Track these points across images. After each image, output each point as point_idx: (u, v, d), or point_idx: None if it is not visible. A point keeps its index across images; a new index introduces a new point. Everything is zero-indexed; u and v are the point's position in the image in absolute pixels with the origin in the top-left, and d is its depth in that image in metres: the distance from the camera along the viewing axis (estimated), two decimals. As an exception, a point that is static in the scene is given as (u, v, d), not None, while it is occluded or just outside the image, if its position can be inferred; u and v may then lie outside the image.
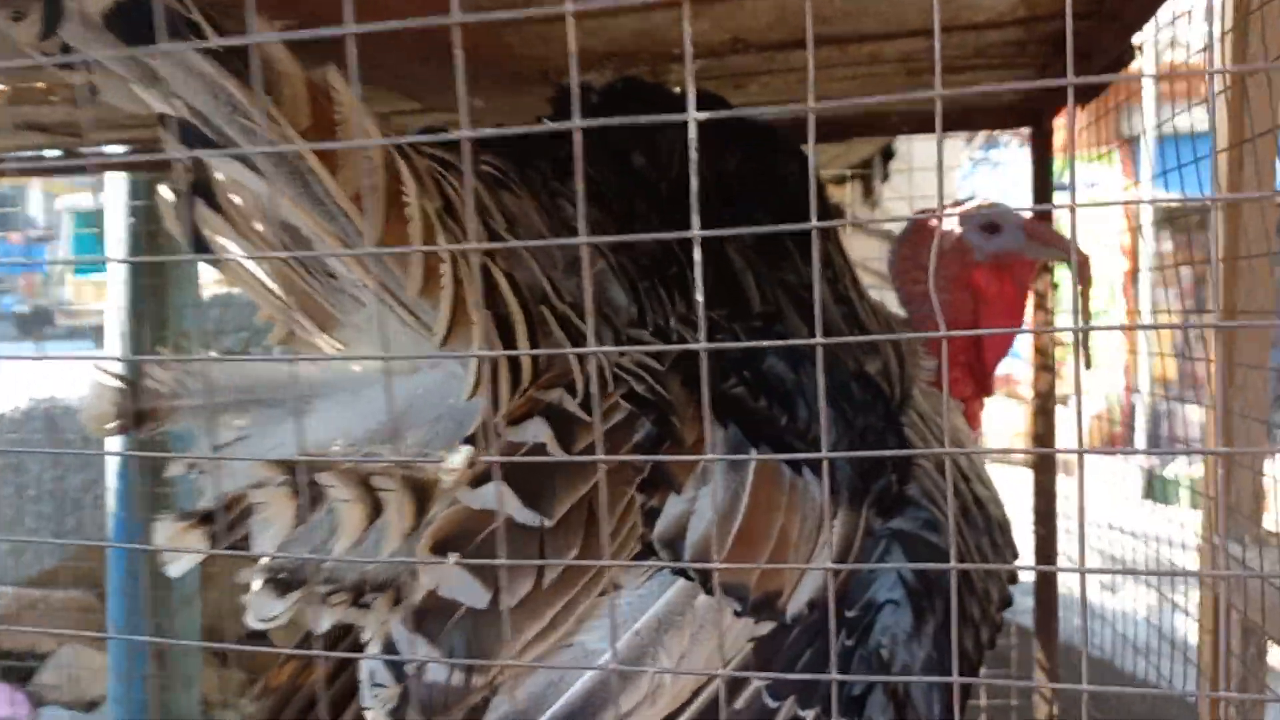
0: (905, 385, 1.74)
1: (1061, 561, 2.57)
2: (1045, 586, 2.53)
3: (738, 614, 1.35)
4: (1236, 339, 2.12)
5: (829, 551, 1.40)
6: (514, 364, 1.35)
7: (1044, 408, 2.50)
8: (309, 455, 1.28)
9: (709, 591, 1.33)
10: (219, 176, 1.24)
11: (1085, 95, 2.37)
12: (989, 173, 8.06)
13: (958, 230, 1.92)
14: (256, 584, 1.30)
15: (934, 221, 1.93)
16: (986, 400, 2.02)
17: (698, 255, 0.80)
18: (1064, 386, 2.79)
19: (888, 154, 4.78)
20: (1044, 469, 2.51)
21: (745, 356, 1.46)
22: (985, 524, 1.66)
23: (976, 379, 1.96)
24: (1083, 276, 1.90)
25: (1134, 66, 2.90)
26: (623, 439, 1.36)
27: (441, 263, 1.26)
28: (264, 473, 1.25)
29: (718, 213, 1.61)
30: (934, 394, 1.86)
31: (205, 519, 1.26)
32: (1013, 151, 8.73)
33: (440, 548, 1.25)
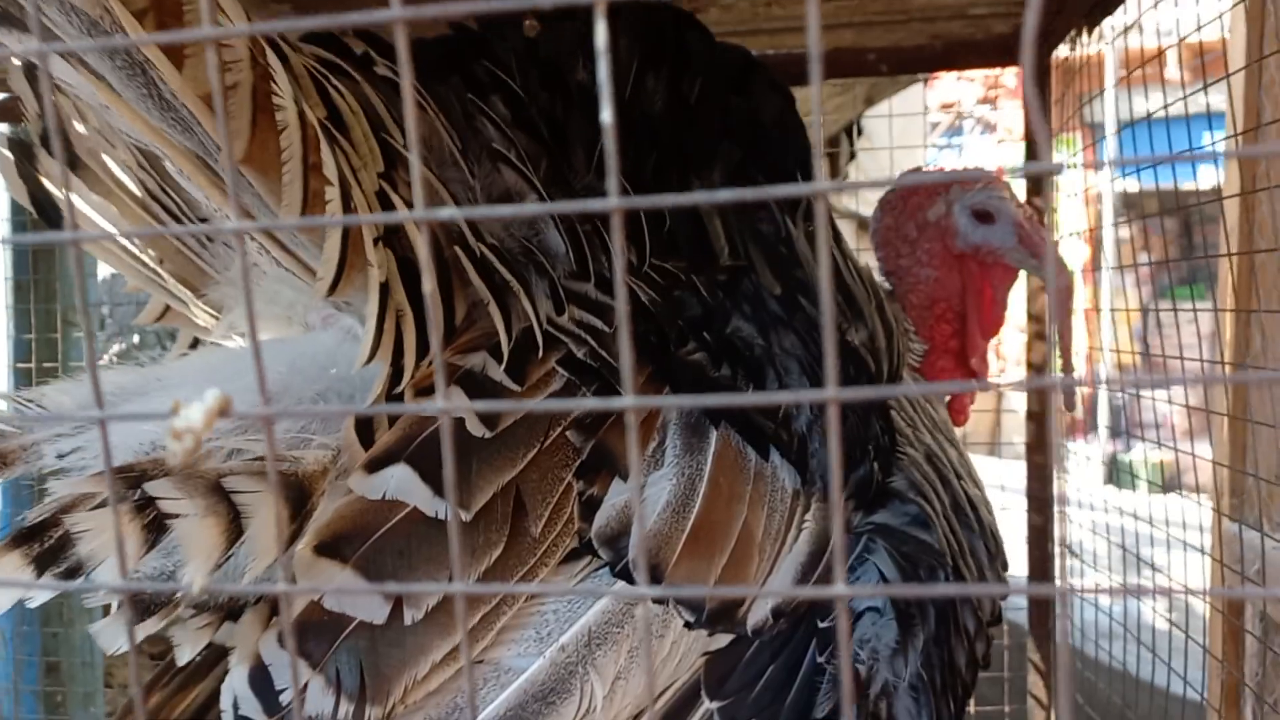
0: (894, 363, 1.52)
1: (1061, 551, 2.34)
2: (1041, 580, 2.30)
3: (689, 625, 1.13)
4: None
5: (805, 546, 1.20)
6: (422, 321, 1.07)
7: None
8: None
9: (656, 598, 1.10)
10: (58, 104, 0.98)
11: (1092, 17, 2.11)
12: (954, 159, 7.91)
13: (946, 207, 1.68)
14: (114, 607, 1.08)
15: (920, 190, 1.69)
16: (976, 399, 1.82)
17: (617, 223, 0.51)
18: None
19: (854, 131, 4.57)
20: (1038, 450, 2.27)
21: (706, 317, 1.22)
22: (979, 526, 1.45)
23: (964, 370, 1.73)
24: (1063, 307, 1.68)
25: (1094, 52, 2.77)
26: (560, 415, 1.11)
27: (328, 185, 0.98)
28: (86, 488, 0.97)
29: (676, 144, 1.35)
30: (921, 380, 1.66)
31: (25, 538, 0.95)
32: (975, 138, 8.65)
33: (327, 549, 1.00)
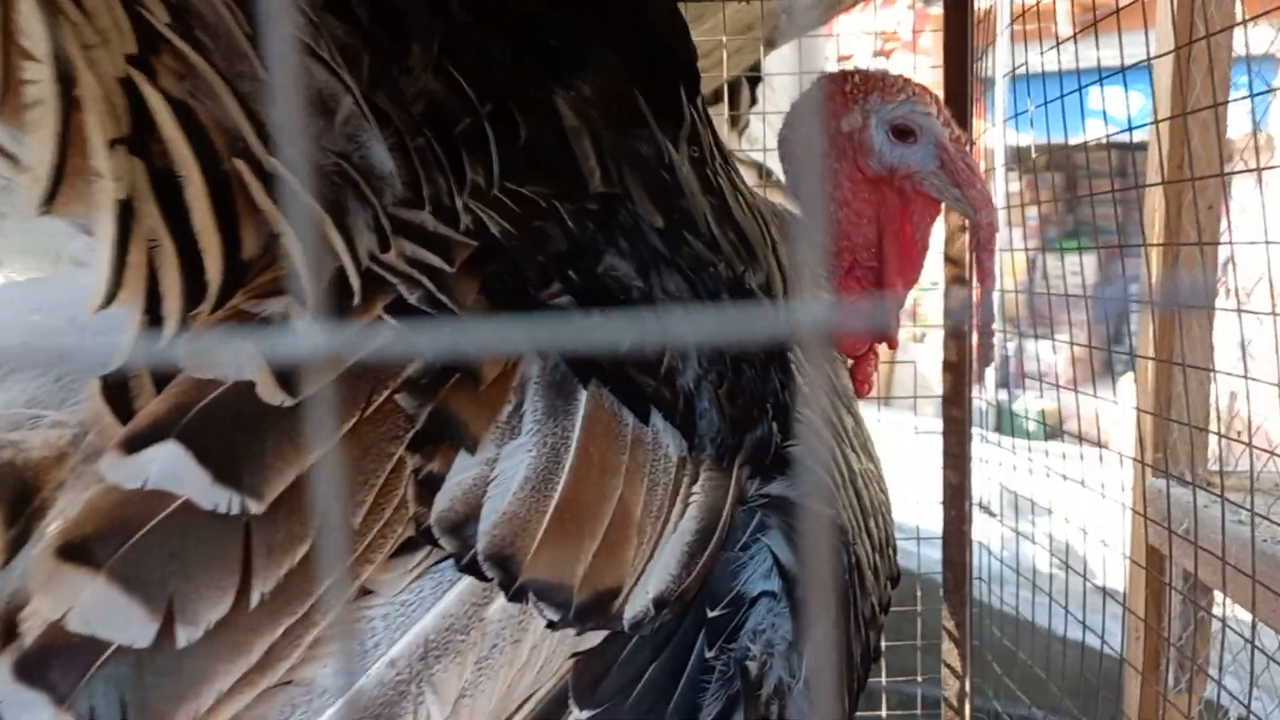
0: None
1: (977, 515, 2.20)
2: (954, 545, 2.14)
3: (553, 625, 0.91)
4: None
5: (692, 523, 1.00)
6: (192, 255, 0.80)
7: (956, 329, 2.08)
8: None
9: (514, 596, 0.88)
10: None
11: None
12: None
13: (862, 118, 1.41)
14: None
15: (836, 95, 1.42)
16: (880, 356, 1.53)
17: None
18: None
19: (754, 79, 4.36)
20: (955, 404, 2.10)
21: (573, 252, 0.99)
22: (872, 505, 1.26)
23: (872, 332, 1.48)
24: (985, 247, 1.42)
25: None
26: (387, 374, 0.85)
27: (31, 61, 0.69)
28: None
29: (541, 40, 1.08)
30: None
31: None
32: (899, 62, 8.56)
33: (74, 552, 0.75)
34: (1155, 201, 1.84)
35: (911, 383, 2.81)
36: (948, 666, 2.17)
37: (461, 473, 0.87)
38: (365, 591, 0.84)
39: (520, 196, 0.99)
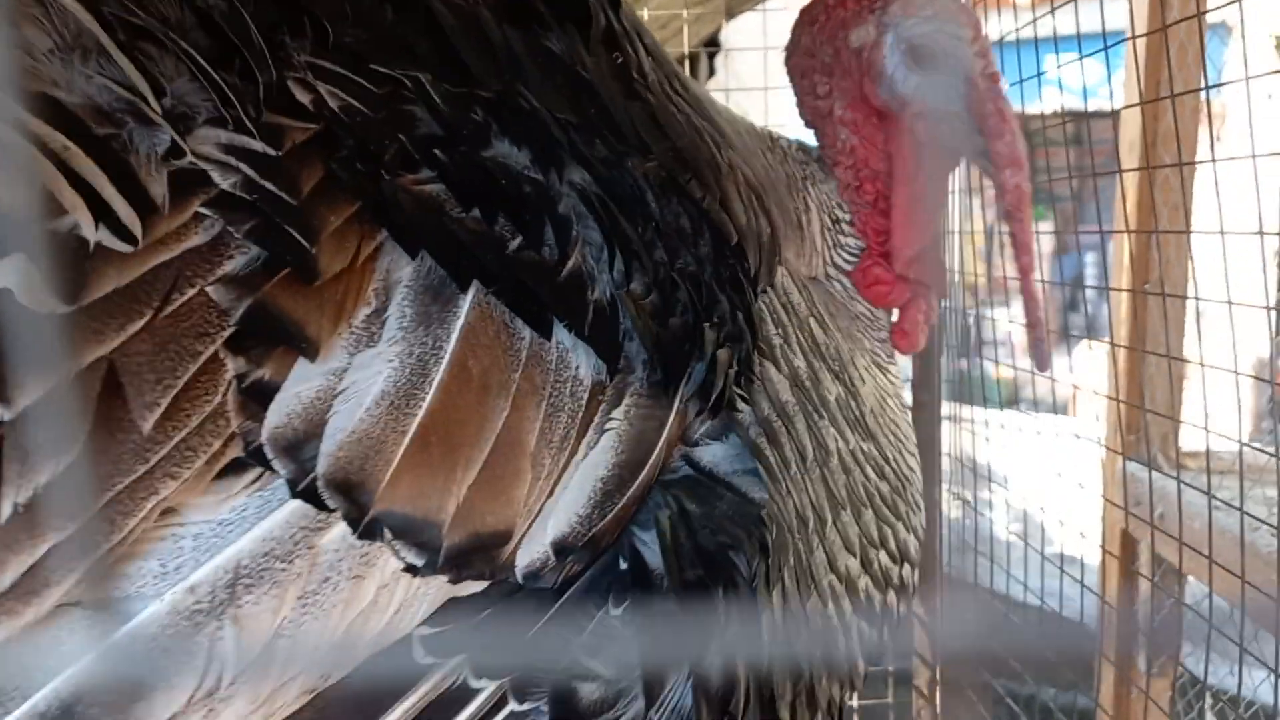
0: (768, 255, 1.07)
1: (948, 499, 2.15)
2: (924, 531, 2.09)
3: (414, 569, 0.76)
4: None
5: (608, 455, 0.83)
6: None
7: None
8: None
9: (364, 533, 0.74)
10: None
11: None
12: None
13: (877, 31, 1.18)
14: None
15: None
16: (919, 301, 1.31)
17: None
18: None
19: (712, 45, 4.25)
20: (924, 387, 2.03)
21: (451, 134, 0.81)
22: (862, 495, 1.08)
23: (904, 281, 1.28)
24: (1013, 215, 1.19)
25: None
26: (200, 272, 0.72)
27: None
28: None
29: None
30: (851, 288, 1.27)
31: None
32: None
33: None
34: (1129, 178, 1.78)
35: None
36: (918, 656, 2.13)
37: (301, 383, 0.73)
38: (171, 509, 0.70)
39: (381, 76, 0.81)
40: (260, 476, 0.72)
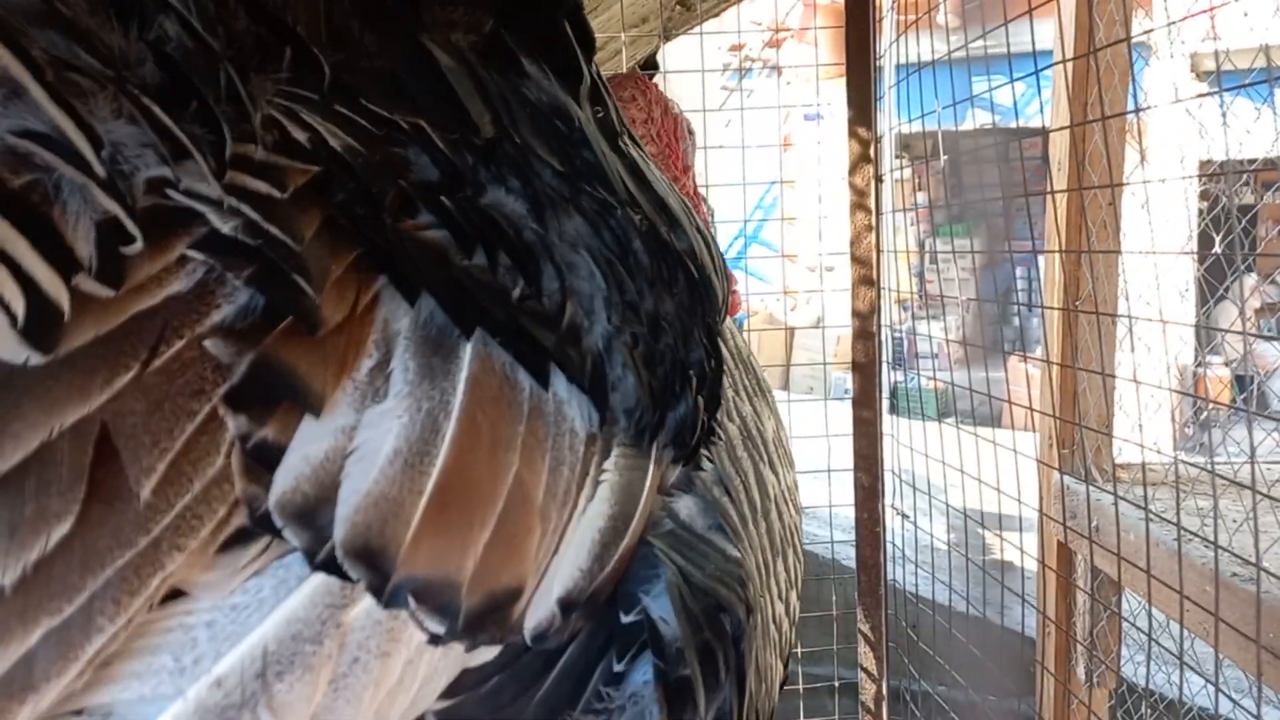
0: (723, 294, 1.09)
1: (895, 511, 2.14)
2: (868, 547, 2.08)
3: (436, 639, 0.71)
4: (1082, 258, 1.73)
5: (604, 507, 0.81)
6: None
7: (865, 329, 2.02)
8: None
9: (388, 601, 0.68)
10: None
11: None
12: (743, 99, 7.78)
13: (679, 111, 1.67)
14: None
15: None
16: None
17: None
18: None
19: (649, 65, 4.25)
20: (865, 404, 2.03)
21: (448, 182, 0.79)
22: (786, 536, 1.09)
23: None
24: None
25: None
26: (190, 319, 0.66)
27: None
28: None
29: None
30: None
31: None
32: (761, 81, 8.57)
33: None
34: (1058, 200, 1.80)
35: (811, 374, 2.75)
36: (864, 670, 2.12)
37: (309, 444, 0.68)
38: (180, 593, 0.65)
39: (379, 118, 0.78)
40: (268, 547, 0.66)
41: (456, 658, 0.73)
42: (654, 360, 0.85)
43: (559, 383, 0.78)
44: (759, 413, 1.09)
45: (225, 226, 0.66)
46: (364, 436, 0.69)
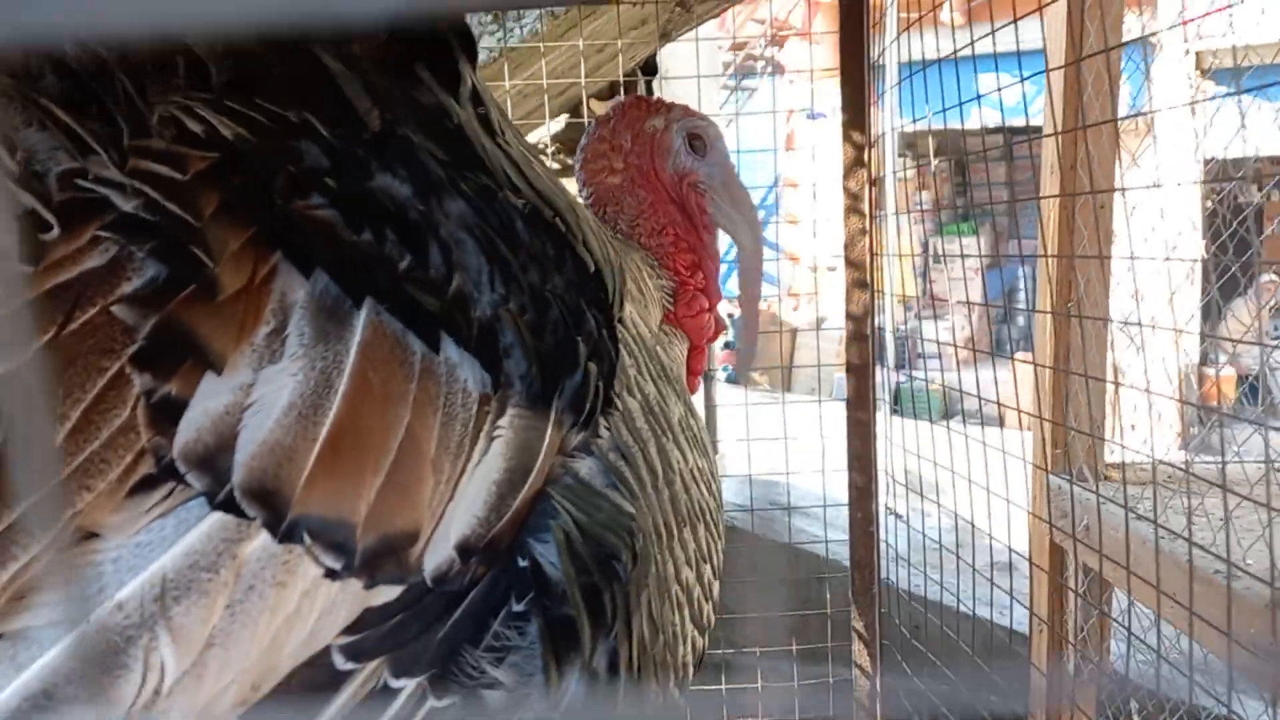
0: (618, 285, 1.17)
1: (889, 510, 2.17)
2: (862, 547, 2.12)
3: (333, 574, 0.79)
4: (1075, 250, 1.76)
5: (499, 461, 0.87)
6: None
7: (859, 332, 2.05)
8: None
9: (284, 537, 0.77)
10: None
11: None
12: (744, 100, 7.80)
13: (665, 123, 1.57)
14: None
15: (643, 104, 1.59)
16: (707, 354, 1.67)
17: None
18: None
19: (649, 69, 4.30)
20: (859, 406, 2.06)
21: (337, 166, 0.86)
22: (695, 510, 1.15)
23: (710, 317, 1.56)
24: (747, 274, 1.59)
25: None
26: (104, 289, 0.75)
27: None
28: None
29: None
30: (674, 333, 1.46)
31: None
32: (765, 80, 8.60)
33: None
34: (1049, 204, 1.83)
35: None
36: (858, 667, 2.15)
37: (210, 399, 0.76)
38: (92, 534, 0.73)
39: (271, 114, 0.86)
40: (172, 492, 0.74)
41: (356, 594, 0.80)
42: (542, 329, 0.92)
43: (450, 347, 0.85)
44: (663, 394, 1.17)
45: (128, 206, 0.75)
46: (260, 392, 0.76)
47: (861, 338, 2.05)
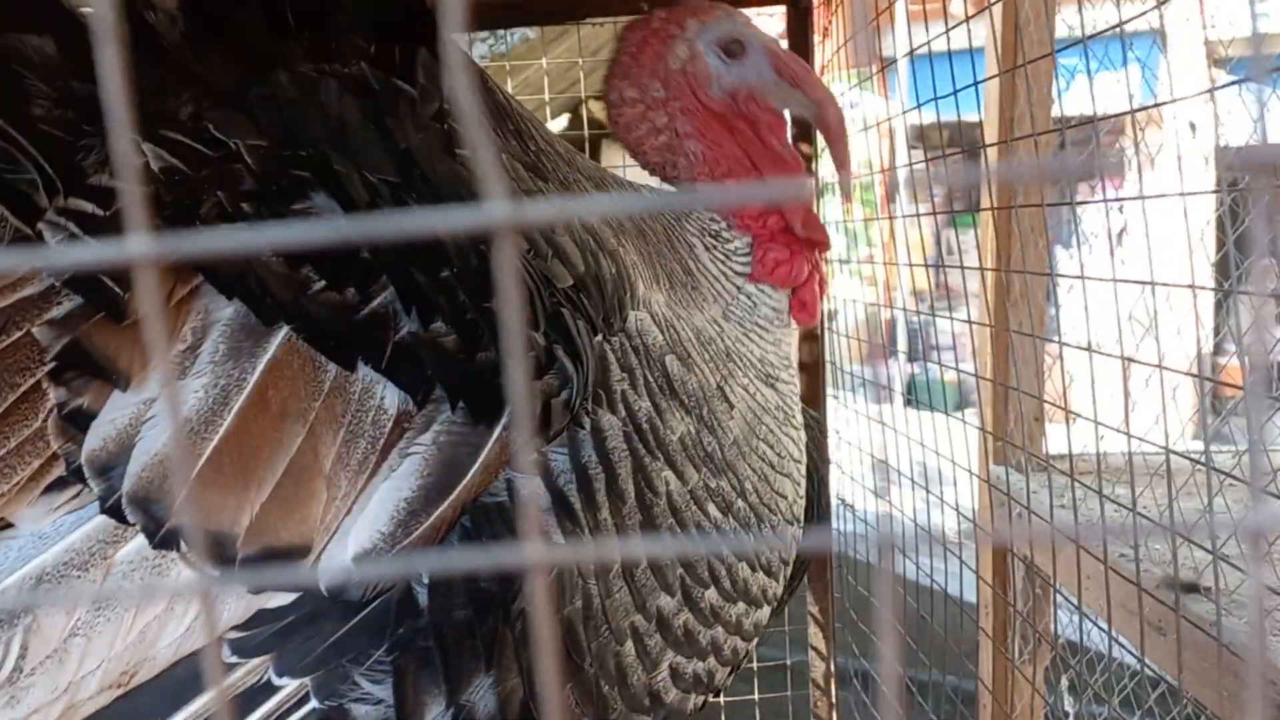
0: (614, 300, 1.11)
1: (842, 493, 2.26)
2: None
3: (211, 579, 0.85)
4: (1014, 246, 1.84)
5: (413, 479, 0.90)
6: None
7: (809, 332, 2.15)
8: None
9: (160, 543, 0.85)
10: None
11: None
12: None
13: (690, 49, 1.35)
14: None
15: (651, 38, 1.35)
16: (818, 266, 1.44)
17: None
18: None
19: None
20: (812, 402, 2.16)
21: (264, 189, 0.91)
22: (676, 531, 1.10)
23: (800, 245, 1.38)
24: (838, 139, 1.38)
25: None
26: (31, 315, 0.87)
27: None
28: None
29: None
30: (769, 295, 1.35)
31: None
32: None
33: None
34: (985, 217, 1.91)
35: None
36: (814, 649, 2.26)
37: (115, 411, 0.85)
38: (8, 524, 0.84)
39: (217, 141, 0.92)
40: (80, 493, 0.85)
41: (242, 598, 0.87)
42: (471, 346, 0.92)
43: (365, 368, 0.89)
44: (662, 412, 1.10)
45: (53, 240, 0.86)
46: (161, 406, 0.85)
47: (812, 337, 2.15)
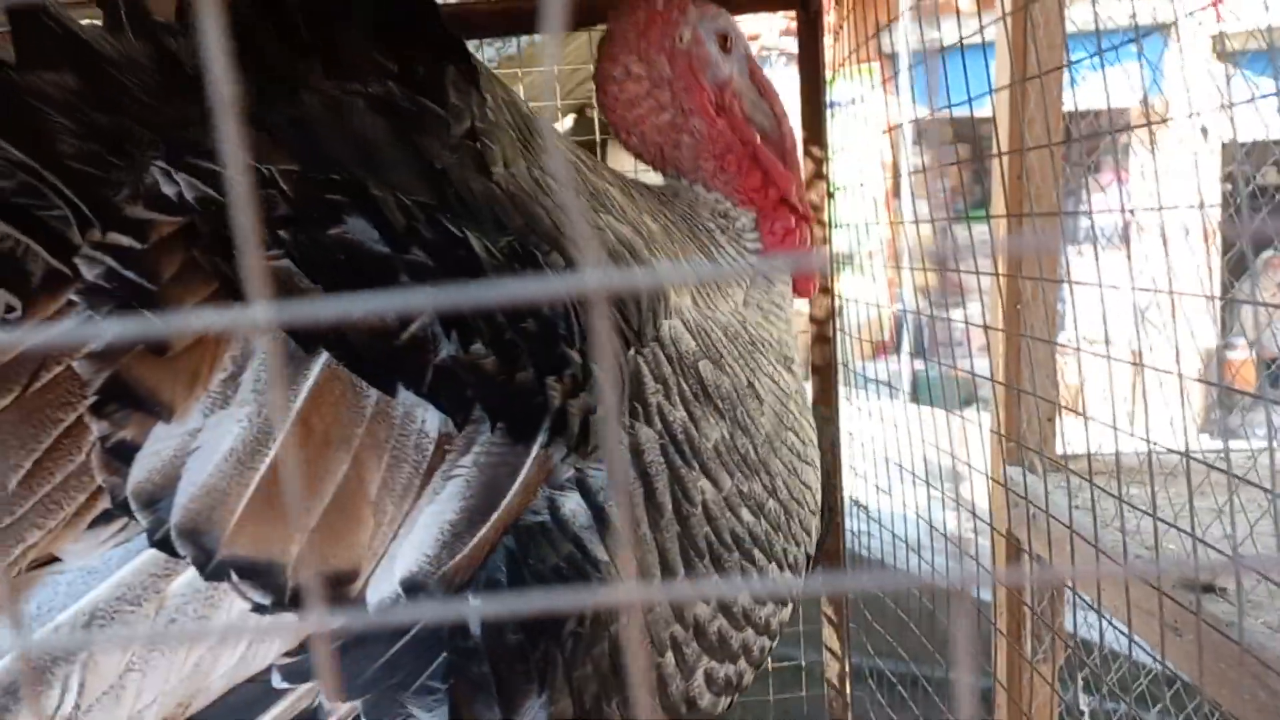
0: (646, 313, 1.11)
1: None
2: (830, 536, 2.22)
3: (262, 609, 0.86)
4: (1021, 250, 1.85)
5: (455, 501, 0.91)
6: None
7: (821, 334, 2.16)
8: None
9: (211, 575, 0.85)
10: None
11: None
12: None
13: (692, 30, 1.38)
14: None
15: (654, 19, 1.37)
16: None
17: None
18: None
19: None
20: (824, 402, 2.17)
21: (300, 215, 0.91)
22: (712, 543, 1.09)
23: (799, 214, 1.45)
24: (787, 158, 1.46)
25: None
26: (71, 348, 0.87)
27: None
28: None
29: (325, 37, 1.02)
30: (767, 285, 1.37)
31: None
32: (779, 70, 8.61)
33: None
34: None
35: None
36: (828, 650, 2.27)
37: (159, 443, 0.85)
38: (56, 558, 0.84)
39: (249, 167, 0.90)
40: (126, 526, 0.85)
41: (293, 624, 0.87)
42: (510, 367, 0.92)
43: (406, 393, 0.89)
44: (697, 420, 1.11)
45: (90, 274, 0.86)
46: (205, 438, 0.85)
47: (824, 340, 2.15)
